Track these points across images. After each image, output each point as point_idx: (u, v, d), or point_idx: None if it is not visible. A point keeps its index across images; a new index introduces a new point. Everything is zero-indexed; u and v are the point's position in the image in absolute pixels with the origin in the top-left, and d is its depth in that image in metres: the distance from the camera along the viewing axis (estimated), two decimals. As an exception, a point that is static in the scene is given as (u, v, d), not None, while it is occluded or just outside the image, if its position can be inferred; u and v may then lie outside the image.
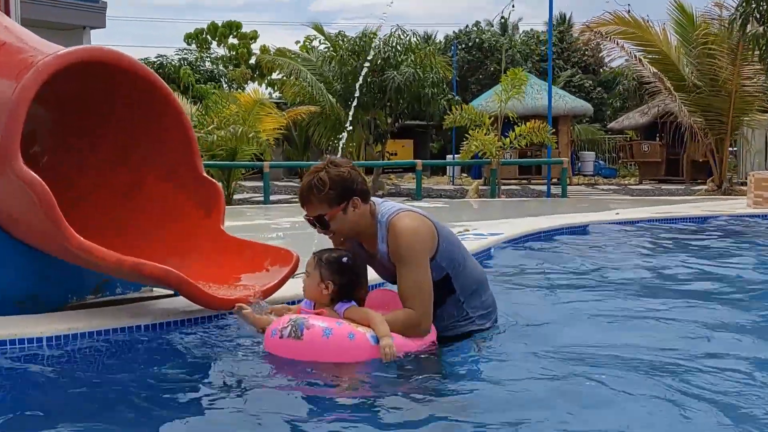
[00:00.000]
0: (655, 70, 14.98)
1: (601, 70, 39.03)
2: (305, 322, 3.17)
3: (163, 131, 4.42)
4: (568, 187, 16.44)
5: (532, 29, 41.70)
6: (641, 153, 25.29)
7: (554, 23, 42.74)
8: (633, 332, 3.88)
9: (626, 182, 25.12)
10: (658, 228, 8.23)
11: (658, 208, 10.13)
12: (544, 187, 20.73)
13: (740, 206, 10.75)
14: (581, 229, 7.84)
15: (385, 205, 3.51)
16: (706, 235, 7.95)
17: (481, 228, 7.32)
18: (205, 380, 3.15)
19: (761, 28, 9.25)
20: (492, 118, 14.94)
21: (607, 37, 14.99)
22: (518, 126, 14.43)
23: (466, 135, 15.56)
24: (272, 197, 14.66)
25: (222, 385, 3.05)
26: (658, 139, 25.80)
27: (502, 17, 36.06)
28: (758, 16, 9.71)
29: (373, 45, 17.68)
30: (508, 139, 14.39)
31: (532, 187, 21.35)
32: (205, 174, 4.54)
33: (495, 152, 14.07)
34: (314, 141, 24.60)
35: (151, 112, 4.35)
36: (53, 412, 2.77)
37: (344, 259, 3.35)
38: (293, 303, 3.85)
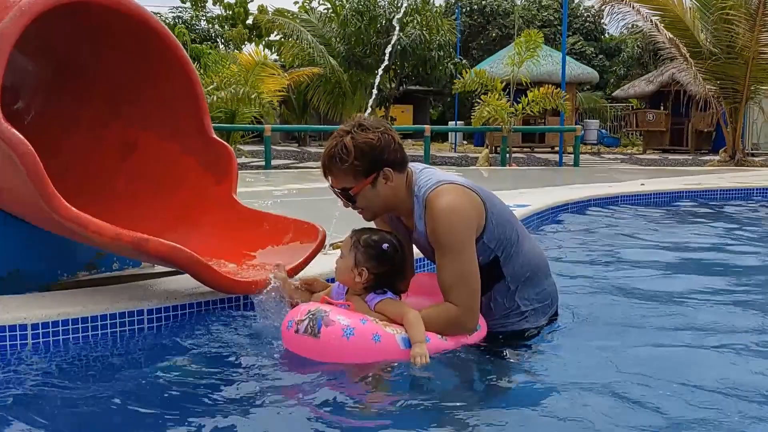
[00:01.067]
0: (671, 36, 14.34)
1: (602, 37, 38.29)
2: (325, 317, 2.64)
3: (165, 84, 3.84)
4: (568, 155, 15.92)
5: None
6: (646, 122, 24.84)
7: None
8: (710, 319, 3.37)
9: (630, 151, 24.62)
10: (690, 200, 7.72)
11: (684, 179, 9.61)
12: (550, 156, 20.23)
13: (763, 177, 10.24)
14: (611, 201, 7.31)
15: (424, 175, 2.94)
16: (741, 209, 7.43)
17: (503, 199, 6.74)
18: (216, 379, 2.62)
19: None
20: (504, 83, 14.32)
21: (622, 0, 14.31)
22: (531, 91, 13.83)
23: (469, 101, 14.94)
24: (273, 161, 14.07)
25: (236, 387, 2.53)
26: (662, 108, 25.35)
27: None
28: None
29: (380, 4, 16.96)
30: (520, 105, 13.79)
31: (537, 155, 20.79)
32: (214, 135, 3.97)
33: (507, 118, 13.49)
34: (313, 104, 24.01)
35: (150, 61, 3.77)
36: (39, 417, 2.25)
37: (385, 246, 2.80)
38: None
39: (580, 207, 6.90)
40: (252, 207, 3.82)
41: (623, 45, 36.06)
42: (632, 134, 28.30)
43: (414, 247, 3.14)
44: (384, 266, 2.80)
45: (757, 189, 8.18)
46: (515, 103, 13.94)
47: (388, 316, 2.74)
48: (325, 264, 3.53)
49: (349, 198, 2.86)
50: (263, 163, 13.92)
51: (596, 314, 3.47)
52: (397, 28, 15.51)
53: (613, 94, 28.79)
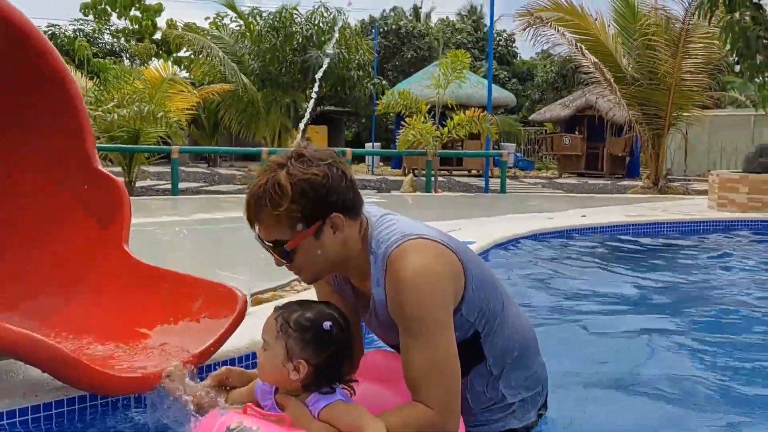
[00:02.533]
0: (596, 60, 14.11)
1: (514, 61, 38.70)
2: (252, 436, 1.80)
3: (41, 104, 2.96)
4: (492, 179, 15.45)
5: (447, 17, 41.05)
6: (562, 146, 24.86)
7: (465, 14, 42.43)
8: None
9: (546, 175, 24.59)
10: (636, 234, 7.28)
11: (624, 210, 9.19)
12: (470, 179, 19.80)
13: (700, 206, 9.98)
14: (557, 234, 6.74)
15: (385, 225, 2.15)
16: (692, 248, 7.02)
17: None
18: None
19: (737, 15, 8.41)
20: (428, 105, 13.73)
21: (547, 23, 13.99)
22: (456, 114, 13.28)
23: (385, 122, 14.30)
24: (181, 185, 13.00)
25: None
26: (577, 132, 25.51)
27: None
28: (727, 1, 8.87)
29: (296, 21, 16.18)
30: (445, 129, 13.22)
31: (457, 179, 20.34)
32: (102, 168, 3.09)
33: (432, 142, 12.89)
34: (224, 124, 22.96)
35: (21, 74, 2.89)
36: None
37: (326, 325, 2.00)
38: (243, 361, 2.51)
39: (525, 242, 6.27)
40: (156, 264, 2.94)
41: (535, 69, 36.47)
42: (546, 158, 28.41)
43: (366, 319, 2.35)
44: (326, 352, 2.00)
45: (702, 222, 7.81)
46: (440, 126, 13.37)
47: (340, 427, 1.94)
48: (246, 331, 2.70)
49: (284, 254, 2.06)
50: (170, 186, 12.85)
51: (587, 398, 2.78)
52: (328, 57, 14.75)
53: (530, 118, 28.86)
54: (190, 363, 2.32)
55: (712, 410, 2.77)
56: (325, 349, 1.99)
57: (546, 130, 29.10)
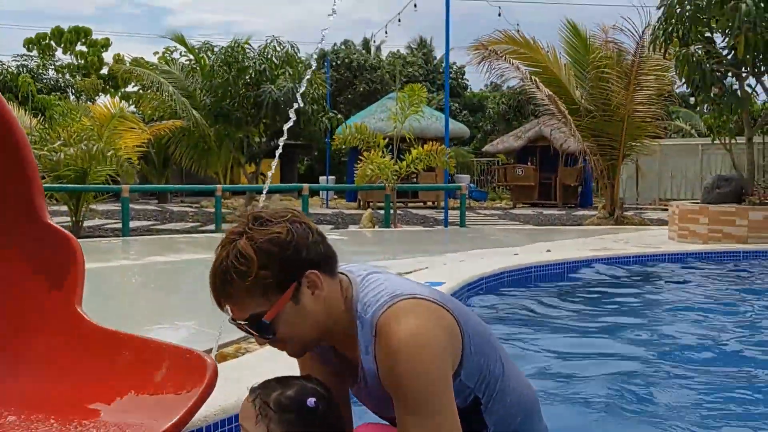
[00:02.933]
0: (549, 92, 14.20)
1: (465, 93, 39.07)
2: None
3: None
4: (450, 212, 15.39)
5: (398, 50, 41.30)
6: (515, 176, 25.07)
7: (415, 47, 42.73)
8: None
9: (500, 205, 24.71)
10: (604, 267, 7.20)
11: (586, 243, 9.13)
12: (426, 212, 19.71)
13: (661, 237, 9.99)
14: (523, 272, 6.59)
15: (370, 286, 1.94)
16: (659, 280, 6.96)
17: (402, 271, 5.87)
18: None
19: (691, 48, 8.48)
20: (385, 139, 13.59)
21: (501, 56, 14.04)
22: (414, 148, 13.16)
23: (338, 155, 14.09)
24: (131, 223, 12.57)
25: None
26: (529, 162, 25.77)
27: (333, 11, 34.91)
28: (680, 35, 8.96)
29: (249, 55, 15.94)
30: (404, 163, 13.09)
31: (412, 211, 20.23)
32: (51, 221, 2.82)
33: (391, 176, 12.74)
34: (175, 159, 22.56)
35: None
36: None
37: (310, 402, 1.79)
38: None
39: (493, 282, 6.10)
40: (114, 328, 2.66)
41: (485, 101, 36.87)
42: (499, 188, 28.60)
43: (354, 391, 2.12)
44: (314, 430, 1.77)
45: (668, 254, 7.77)
46: (398, 161, 13.24)
47: None
48: (214, 395, 2.44)
49: (264, 329, 1.85)
50: (119, 225, 12.41)
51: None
52: (299, 100, 14.53)
53: (483, 149, 29.09)
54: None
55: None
56: (313, 429, 1.76)
57: (499, 161, 29.34)
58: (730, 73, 8.98)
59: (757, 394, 3.38)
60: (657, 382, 3.57)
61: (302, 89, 15.31)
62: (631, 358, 4.02)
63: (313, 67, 15.77)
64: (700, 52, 8.68)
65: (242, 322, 1.83)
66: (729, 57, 8.92)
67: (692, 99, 9.49)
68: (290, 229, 1.82)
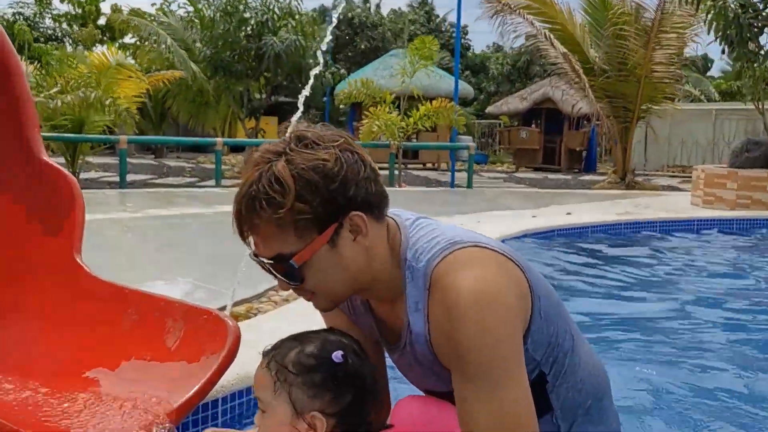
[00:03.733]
0: (564, 50, 13.71)
1: (467, 53, 38.43)
2: None
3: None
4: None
5: (399, 8, 40.55)
6: (519, 139, 24.60)
7: (416, 5, 41.83)
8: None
9: (502, 169, 24.28)
10: (630, 231, 6.85)
11: (606, 207, 8.77)
12: (429, 173, 19.30)
13: (682, 203, 9.61)
14: (546, 235, 6.24)
15: (423, 231, 1.59)
16: (687, 246, 6.63)
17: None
18: None
19: (729, 0, 8.03)
20: (392, 95, 13.10)
21: (515, 10, 13.52)
22: (423, 105, 12.70)
23: (338, 113, 13.65)
24: (127, 177, 12.16)
25: None
26: (534, 125, 25.29)
27: None
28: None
29: (250, 5, 15.38)
30: (411, 120, 12.61)
31: (414, 172, 19.83)
32: (48, 159, 2.44)
33: (397, 134, 12.29)
34: (172, 114, 22.08)
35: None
36: None
37: (336, 357, 1.44)
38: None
39: (515, 245, 5.76)
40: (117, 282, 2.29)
41: (488, 62, 36.25)
42: (500, 151, 28.14)
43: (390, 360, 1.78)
44: (347, 393, 1.43)
45: (697, 220, 7.40)
46: (406, 117, 12.77)
47: None
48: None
49: (290, 274, 1.49)
50: (116, 178, 12.01)
51: None
52: (321, 61, 14.02)
53: (487, 111, 28.52)
54: (165, 423, 1.71)
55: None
56: (344, 388, 1.42)
57: (501, 123, 28.82)
58: (766, 29, 8.54)
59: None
60: (686, 347, 3.47)
61: (324, 47, 14.78)
62: (659, 319, 3.89)
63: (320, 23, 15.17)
64: (735, 5, 8.22)
65: (266, 261, 1.48)
66: (765, 12, 8.46)
67: (723, 55, 9.03)
68: (339, 157, 1.45)
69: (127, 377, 1.99)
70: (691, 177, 10.11)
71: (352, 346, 1.49)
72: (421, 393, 1.80)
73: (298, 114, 3.46)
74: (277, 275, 1.49)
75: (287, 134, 1.53)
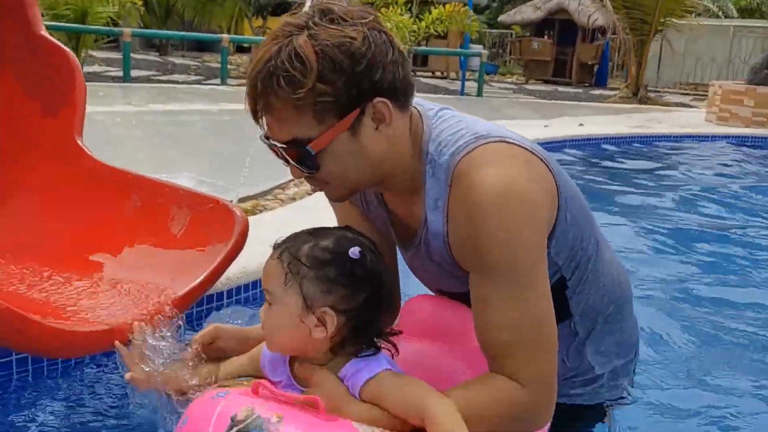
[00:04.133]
0: (583, -43, 13.19)
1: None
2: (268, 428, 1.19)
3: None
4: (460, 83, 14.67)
5: None
6: (531, 50, 24.07)
7: None
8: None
9: (512, 80, 23.86)
10: (644, 146, 6.73)
11: (617, 120, 8.60)
12: (437, 81, 18.97)
13: (697, 119, 9.41)
14: (557, 145, 6.12)
15: (445, 121, 1.47)
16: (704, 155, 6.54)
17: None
18: None
19: None
20: (403, -3, 12.68)
21: None
22: (436, 8, 12.31)
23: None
24: (131, 72, 11.92)
25: None
26: (546, 36, 24.72)
27: None
28: None
29: None
30: (423, 23, 12.25)
31: (422, 80, 19.49)
32: (47, 34, 2.31)
33: (408, 37, 11.95)
34: (177, 10, 21.50)
35: None
36: None
37: (354, 253, 1.33)
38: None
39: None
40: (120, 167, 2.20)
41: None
42: (510, 62, 27.60)
43: (403, 260, 1.69)
44: (361, 291, 1.33)
45: (713, 136, 7.26)
46: (417, 21, 12.39)
47: (392, 409, 1.30)
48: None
49: (306, 160, 1.37)
50: (120, 73, 11.75)
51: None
52: None
53: (499, 19, 27.79)
54: (169, 309, 1.65)
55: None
56: (359, 286, 1.32)
57: (512, 33, 28.16)
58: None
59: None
60: (690, 260, 3.48)
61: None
62: (670, 233, 3.87)
63: None
64: None
65: (279, 145, 1.35)
66: None
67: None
68: (368, 36, 1.30)
69: (131, 263, 1.93)
70: (703, 95, 9.88)
71: (368, 244, 1.39)
72: (431, 293, 1.73)
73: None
74: (291, 161, 1.37)
75: (309, 6, 1.40)
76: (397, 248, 1.68)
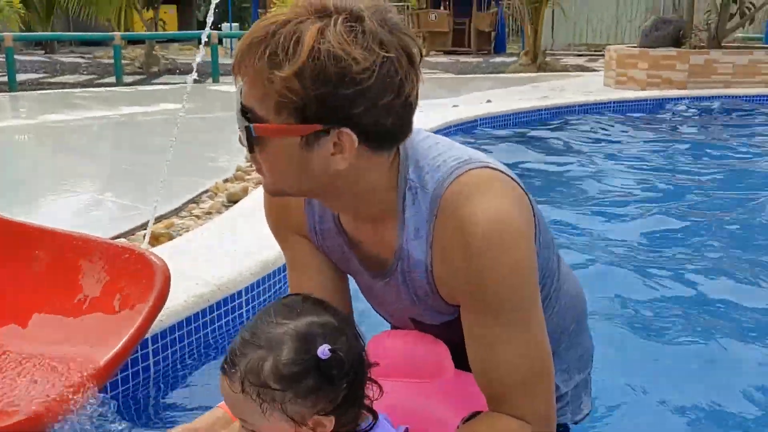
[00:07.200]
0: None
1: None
2: None
3: None
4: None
5: None
6: (428, 22, 24.17)
7: None
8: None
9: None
10: (554, 119, 6.80)
11: (523, 92, 8.67)
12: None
13: (597, 84, 9.64)
14: (469, 126, 6.11)
15: (423, 145, 1.35)
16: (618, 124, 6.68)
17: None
18: None
19: None
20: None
21: None
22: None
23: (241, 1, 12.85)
24: (17, 76, 11.22)
25: None
26: (442, 7, 24.87)
27: None
28: None
29: None
30: (321, 6, 12.01)
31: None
32: None
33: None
34: (60, 5, 20.50)
35: None
36: None
37: (323, 353, 1.17)
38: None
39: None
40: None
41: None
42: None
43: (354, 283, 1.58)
44: (344, 383, 1.20)
45: (614, 102, 7.41)
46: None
47: None
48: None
49: (246, 133, 1.24)
50: (5, 79, 11.09)
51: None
52: None
53: (394, -8, 27.73)
54: (88, 385, 1.51)
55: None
56: (340, 380, 1.20)
57: (408, 6, 28.19)
58: None
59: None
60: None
61: None
62: (582, 203, 4.01)
63: None
64: None
65: (239, 105, 1.24)
66: None
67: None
68: (375, 68, 1.15)
69: (41, 333, 1.76)
70: (596, 54, 10.07)
71: (331, 322, 1.23)
72: (390, 327, 1.65)
73: (213, 5, 3.10)
74: (238, 122, 1.25)
75: (365, 2, 1.22)
76: (359, 277, 1.56)
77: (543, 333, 1.36)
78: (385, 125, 1.21)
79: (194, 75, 3.28)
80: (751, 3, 9.69)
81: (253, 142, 1.24)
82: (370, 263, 1.46)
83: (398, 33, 1.20)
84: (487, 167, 1.34)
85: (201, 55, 3.29)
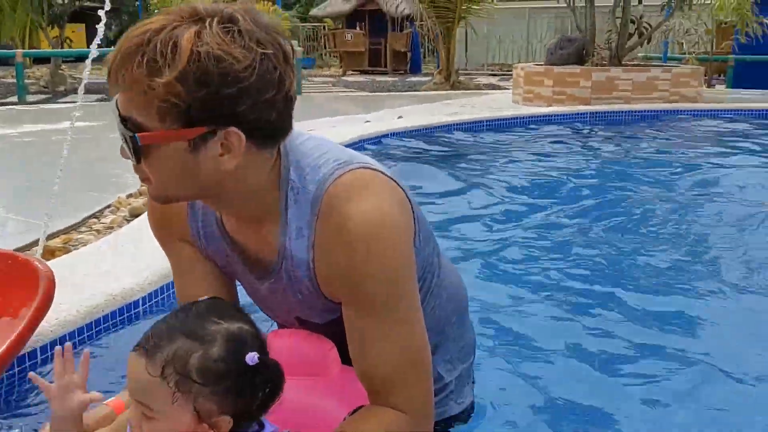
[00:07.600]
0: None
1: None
2: None
3: None
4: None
5: None
6: (344, 42, 24.38)
7: None
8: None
9: (330, 73, 24.07)
10: (463, 133, 6.97)
11: (434, 108, 8.83)
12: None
13: (506, 101, 9.92)
14: (377, 140, 6.19)
15: (306, 145, 1.39)
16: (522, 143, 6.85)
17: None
18: None
19: None
20: (211, -2, 12.35)
21: None
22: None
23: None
24: None
25: None
26: (359, 28, 25.16)
27: None
28: None
29: None
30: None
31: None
32: None
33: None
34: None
35: None
36: None
37: (251, 359, 1.20)
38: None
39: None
40: None
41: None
42: (327, 55, 27.83)
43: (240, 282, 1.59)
44: (259, 392, 1.22)
45: (520, 118, 7.63)
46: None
47: None
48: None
49: (131, 145, 1.24)
50: None
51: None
52: None
53: (311, 13, 27.92)
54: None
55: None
56: (258, 388, 1.21)
57: (325, 26, 28.35)
58: None
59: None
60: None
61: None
62: (490, 215, 4.15)
63: None
64: None
65: (120, 113, 1.22)
66: None
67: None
68: (255, 65, 1.18)
69: None
70: (508, 74, 10.40)
71: (255, 332, 1.25)
72: (278, 326, 1.66)
73: (103, 23, 3.06)
74: (121, 134, 1.24)
75: (234, 6, 1.23)
76: (244, 279, 1.56)
77: (421, 327, 1.40)
78: (269, 120, 1.24)
79: (81, 93, 3.25)
80: (648, 24, 10.18)
81: (139, 152, 1.23)
82: (255, 265, 1.48)
83: (272, 32, 1.24)
84: (368, 168, 1.38)
85: (86, 72, 3.24)
